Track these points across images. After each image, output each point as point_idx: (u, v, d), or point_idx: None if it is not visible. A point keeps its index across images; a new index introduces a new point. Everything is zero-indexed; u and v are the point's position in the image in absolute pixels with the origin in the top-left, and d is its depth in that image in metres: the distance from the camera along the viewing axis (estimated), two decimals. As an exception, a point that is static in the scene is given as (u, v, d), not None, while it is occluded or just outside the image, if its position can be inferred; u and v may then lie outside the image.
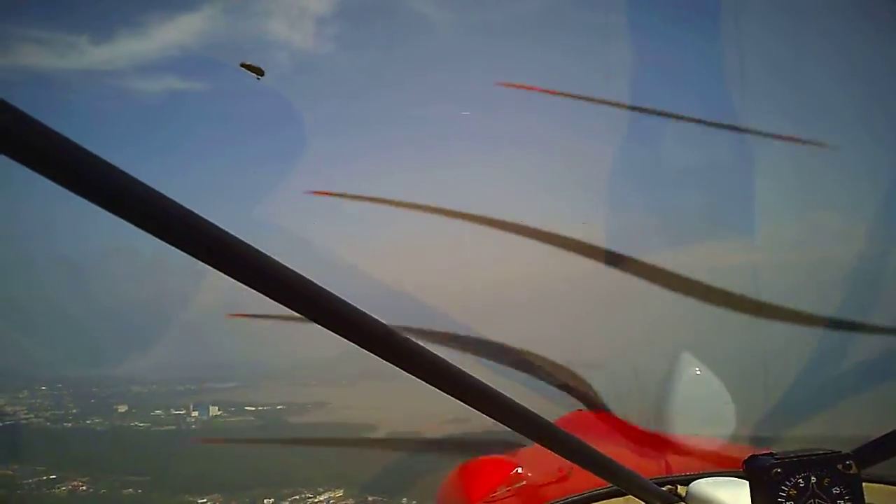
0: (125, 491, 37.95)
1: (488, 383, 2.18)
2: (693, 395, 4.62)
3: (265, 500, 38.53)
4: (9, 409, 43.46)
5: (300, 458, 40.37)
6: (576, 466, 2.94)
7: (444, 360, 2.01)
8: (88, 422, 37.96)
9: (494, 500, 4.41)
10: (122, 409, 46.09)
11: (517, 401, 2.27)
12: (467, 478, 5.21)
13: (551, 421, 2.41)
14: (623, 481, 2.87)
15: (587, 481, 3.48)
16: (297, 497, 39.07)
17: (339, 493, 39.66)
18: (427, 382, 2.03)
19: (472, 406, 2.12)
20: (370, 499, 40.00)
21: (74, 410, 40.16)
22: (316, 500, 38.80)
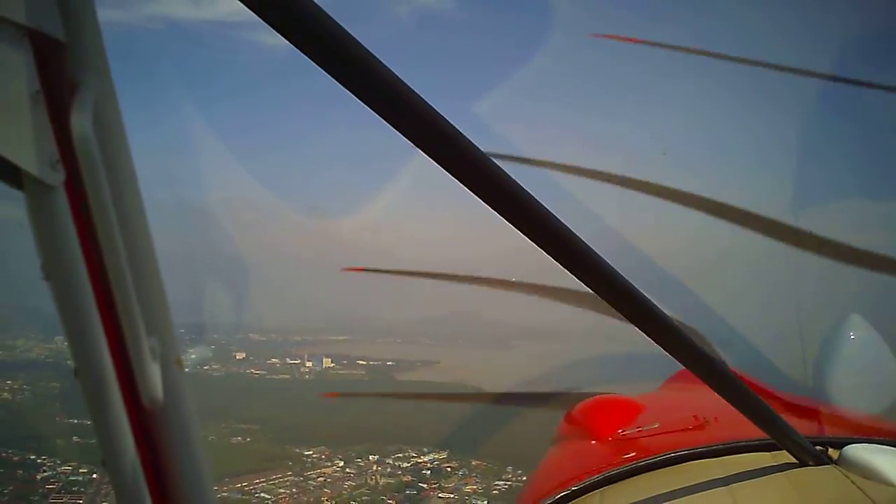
0: (234, 439, 39.26)
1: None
2: (857, 365, 4.66)
3: (370, 456, 39.10)
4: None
5: (406, 417, 40.68)
6: (711, 418, 3.47)
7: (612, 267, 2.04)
8: (206, 367, 38.71)
9: (624, 438, 4.36)
10: (240, 356, 47.38)
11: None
12: (590, 414, 5.07)
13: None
14: (779, 434, 2.98)
15: (723, 433, 3.70)
16: (402, 455, 39.73)
17: (444, 454, 39.70)
18: (594, 290, 2.06)
19: (640, 327, 2.16)
20: (474, 462, 40.13)
21: (193, 356, 41.10)
22: (420, 460, 39.43)
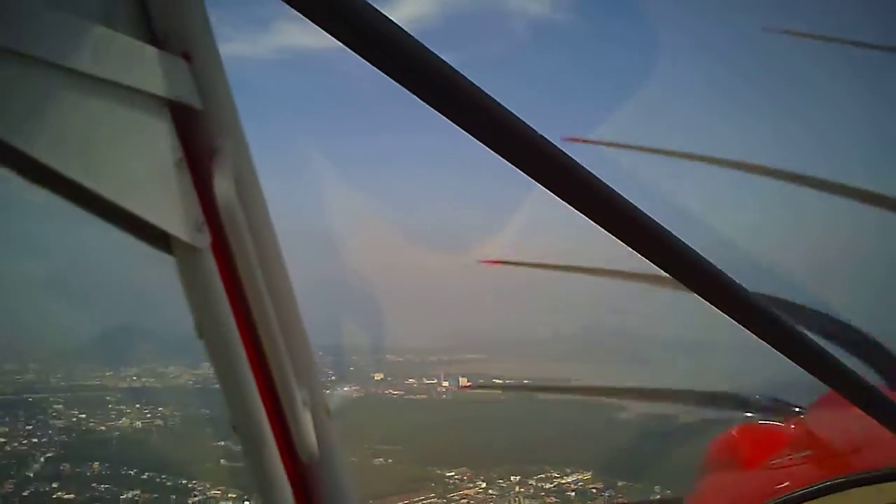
0: (376, 461, 39.15)
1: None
2: None
3: (512, 477, 38.24)
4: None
5: (547, 436, 39.84)
6: (865, 442, 3.42)
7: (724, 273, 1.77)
8: (346, 388, 39.19)
9: (776, 467, 4.23)
10: (378, 377, 47.84)
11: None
12: (738, 443, 4.95)
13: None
14: None
15: (879, 458, 3.51)
16: (544, 475, 38.61)
17: (587, 475, 38.13)
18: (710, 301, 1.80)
19: (780, 350, 1.93)
20: (619, 483, 38.69)
21: (333, 377, 41.85)
22: (563, 481, 38.06)
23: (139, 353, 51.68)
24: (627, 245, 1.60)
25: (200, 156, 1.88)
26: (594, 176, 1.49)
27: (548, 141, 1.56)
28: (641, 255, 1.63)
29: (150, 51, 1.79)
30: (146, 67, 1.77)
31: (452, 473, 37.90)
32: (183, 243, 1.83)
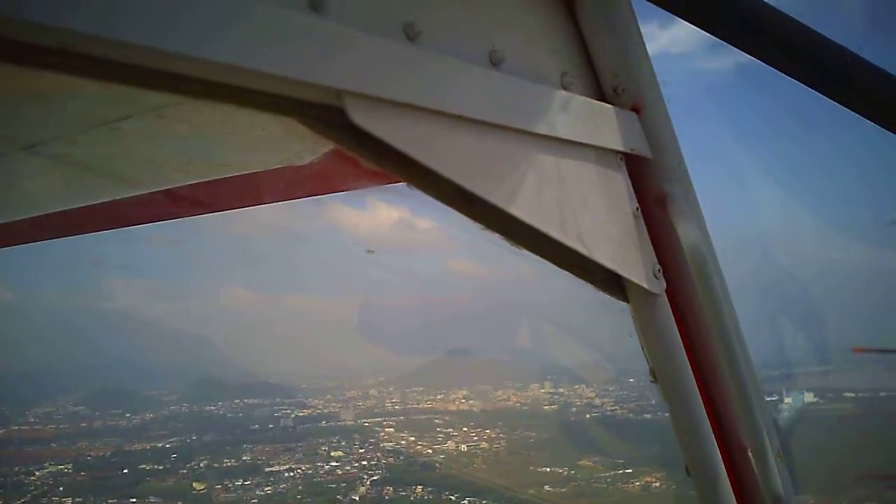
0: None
1: None
2: None
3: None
4: (597, 401, 45.16)
5: None
6: None
7: None
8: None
9: None
10: (809, 398, 44.07)
11: None
12: None
13: None
14: None
15: None
16: None
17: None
18: None
19: None
20: None
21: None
22: None
23: (466, 376, 53.58)
24: None
25: (651, 203, 1.98)
26: None
27: None
28: None
29: (605, 108, 1.92)
30: (602, 124, 1.90)
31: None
32: (640, 289, 1.91)
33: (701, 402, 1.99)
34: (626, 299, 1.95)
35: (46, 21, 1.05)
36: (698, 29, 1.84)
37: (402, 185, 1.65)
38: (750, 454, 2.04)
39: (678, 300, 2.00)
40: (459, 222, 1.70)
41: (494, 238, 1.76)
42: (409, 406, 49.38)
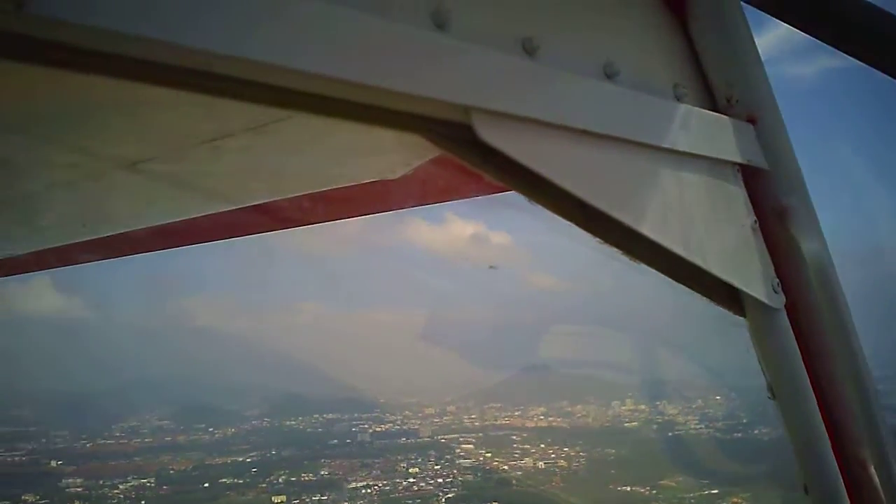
0: None
1: None
2: None
3: None
4: (680, 418, 43.91)
5: None
6: None
7: None
8: (756, 432, 34.78)
9: None
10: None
11: None
12: None
13: None
14: None
15: None
16: None
17: None
18: None
19: None
20: None
21: (745, 420, 37.70)
22: None
23: (545, 393, 52.82)
24: None
25: (769, 216, 1.94)
26: None
27: None
28: None
29: (721, 119, 1.91)
30: (718, 136, 1.87)
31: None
32: (759, 303, 1.88)
33: (820, 418, 1.97)
34: (742, 314, 1.93)
35: (150, 34, 1.05)
36: (783, 35, 1.88)
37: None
38: (872, 470, 2.00)
39: (797, 315, 1.97)
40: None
41: (581, 252, 1.79)
42: (487, 423, 48.95)
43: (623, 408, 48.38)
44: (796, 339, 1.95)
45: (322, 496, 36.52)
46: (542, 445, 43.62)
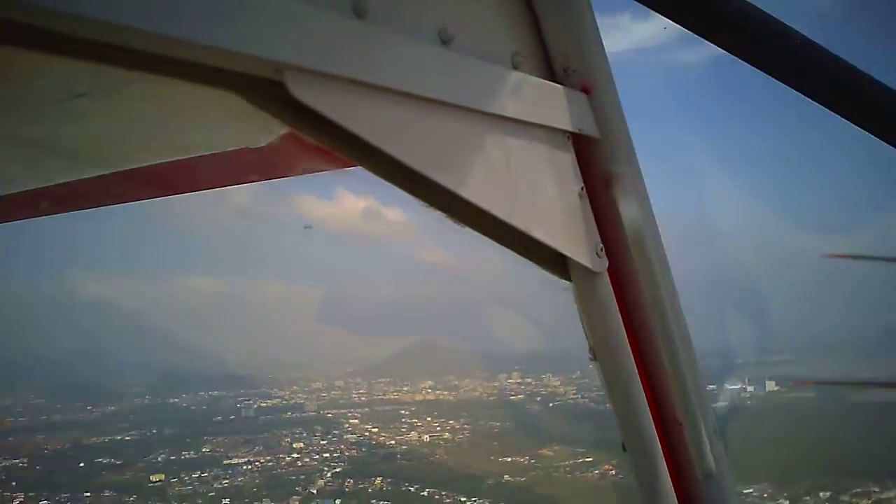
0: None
1: None
2: None
3: (821, 493, 33.67)
4: (561, 389, 45.35)
5: (864, 443, 34.56)
6: None
7: None
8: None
9: None
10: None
11: None
12: None
13: None
14: None
15: None
16: (861, 490, 33.50)
17: (934, 494, 31.94)
18: None
19: None
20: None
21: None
22: (884, 496, 32.32)
23: (434, 367, 53.49)
24: None
25: (598, 183, 2.00)
26: None
27: None
28: None
29: (555, 88, 1.93)
30: (551, 104, 1.91)
31: (750, 490, 33.30)
32: (582, 268, 1.94)
33: (639, 380, 2.04)
34: (569, 278, 1.97)
35: None
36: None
37: (367, 173, 1.66)
38: (686, 429, 2.08)
39: (620, 280, 2.03)
40: (429, 212, 1.73)
41: (459, 227, 1.79)
42: (375, 397, 49.26)
43: (509, 381, 49.54)
44: (618, 303, 2.01)
45: (202, 473, 36.07)
46: (429, 419, 44.25)
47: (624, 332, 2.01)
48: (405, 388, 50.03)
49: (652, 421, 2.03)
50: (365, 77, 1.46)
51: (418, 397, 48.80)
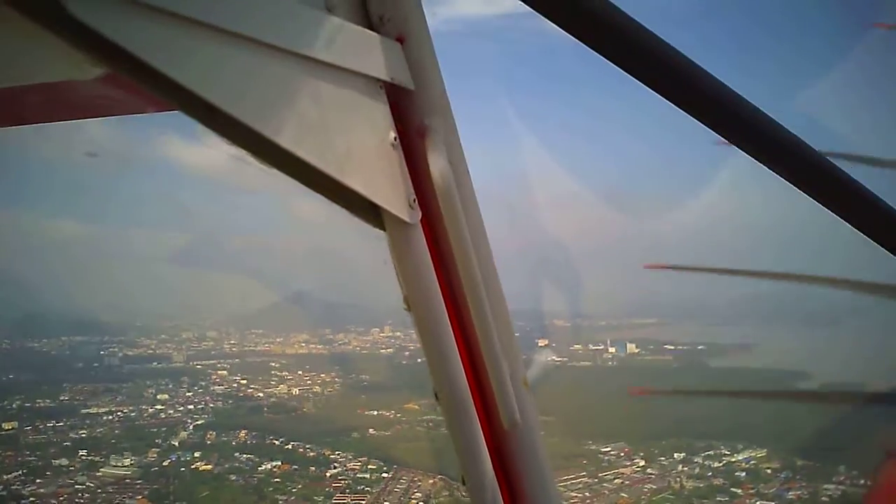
0: (527, 434, 37.89)
1: None
2: None
3: (675, 454, 35.30)
4: (431, 343, 45.93)
5: (717, 409, 35.88)
6: None
7: None
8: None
9: None
10: (542, 343, 45.79)
11: None
12: None
13: None
14: None
15: None
16: (712, 452, 35.38)
17: (762, 452, 34.27)
18: None
19: None
20: (799, 463, 34.25)
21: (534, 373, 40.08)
22: (733, 459, 34.51)
23: (311, 320, 53.22)
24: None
25: (412, 134, 2.01)
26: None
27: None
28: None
29: (369, 35, 1.94)
30: (365, 51, 1.90)
31: (608, 449, 35.10)
32: (396, 218, 1.94)
33: (450, 330, 2.07)
34: (382, 227, 1.98)
35: None
36: None
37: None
38: (499, 381, 2.12)
39: (433, 231, 2.05)
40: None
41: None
42: (247, 349, 48.68)
43: (381, 335, 49.96)
44: (431, 253, 2.03)
45: (58, 423, 34.95)
46: (300, 372, 44.16)
47: (437, 282, 2.04)
48: (278, 340, 49.65)
49: (463, 371, 2.10)
50: (158, 3, 1.41)
51: (290, 350, 48.57)
